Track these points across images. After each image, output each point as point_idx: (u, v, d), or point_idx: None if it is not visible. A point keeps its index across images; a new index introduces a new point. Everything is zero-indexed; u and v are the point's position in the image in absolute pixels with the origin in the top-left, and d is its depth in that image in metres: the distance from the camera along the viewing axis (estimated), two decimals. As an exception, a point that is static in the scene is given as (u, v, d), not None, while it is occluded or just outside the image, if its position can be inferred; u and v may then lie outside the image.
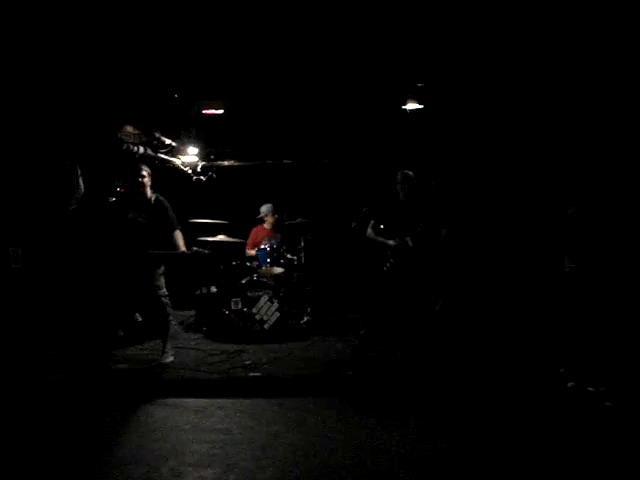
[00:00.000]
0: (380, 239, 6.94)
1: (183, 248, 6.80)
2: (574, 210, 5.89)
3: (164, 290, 6.83)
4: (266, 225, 9.44)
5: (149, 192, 6.88)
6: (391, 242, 6.83)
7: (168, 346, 6.83)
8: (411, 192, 6.96)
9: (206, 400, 5.70)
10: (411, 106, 8.21)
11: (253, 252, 9.05)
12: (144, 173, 6.81)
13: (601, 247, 5.69)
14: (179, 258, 6.87)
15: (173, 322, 7.61)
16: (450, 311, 6.95)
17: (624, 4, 5.79)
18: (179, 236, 6.81)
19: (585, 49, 6.49)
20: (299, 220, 9.09)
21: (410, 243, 6.73)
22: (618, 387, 5.44)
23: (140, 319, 7.94)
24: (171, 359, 6.75)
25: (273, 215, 9.37)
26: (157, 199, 6.92)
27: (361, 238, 7.27)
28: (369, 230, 7.10)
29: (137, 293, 6.91)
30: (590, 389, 5.48)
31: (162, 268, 6.84)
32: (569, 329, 5.94)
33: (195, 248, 7.01)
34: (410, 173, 7.00)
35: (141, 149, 8.29)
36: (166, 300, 6.81)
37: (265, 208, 9.39)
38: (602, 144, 6.84)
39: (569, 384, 5.66)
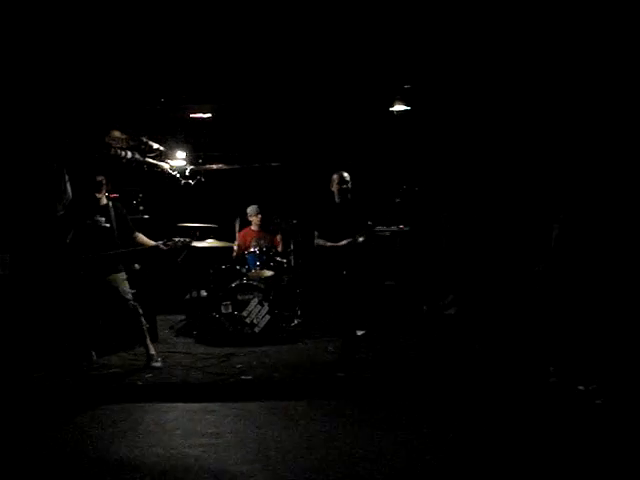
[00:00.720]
0: (329, 244, 6.95)
1: (153, 243, 6.80)
2: (563, 216, 5.94)
3: (130, 295, 6.79)
4: (253, 227, 9.47)
5: (105, 198, 6.83)
6: (342, 243, 6.87)
7: (152, 350, 6.80)
8: (347, 193, 7.02)
9: (197, 404, 5.68)
10: (398, 108, 8.24)
11: (236, 254, 9.07)
12: (100, 179, 6.77)
13: (587, 249, 5.74)
14: (152, 253, 6.82)
15: (161, 326, 7.60)
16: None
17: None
18: (142, 236, 6.82)
19: (574, 56, 6.53)
20: (289, 222, 9.10)
21: (359, 239, 6.77)
22: (608, 385, 5.47)
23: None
24: (159, 364, 6.73)
25: (257, 215, 9.40)
26: (114, 204, 6.88)
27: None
28: (316, 240, 7.10)
29: (105, 300, 6.83)
30: (580, 387, 5.51)
31: (123, 273, 6.81)
32: (558, 327, 5.98)
33: (176, 239, 6.94)
34: (345, 174, 7.06)
35: (129, 154, 8.28)
36: (134, 303, 6.76)
37: (250, 209, 9.44)
38: (587, 152, 6.89)
39: (551, 379, 5.71)
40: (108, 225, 6.72)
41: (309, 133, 9.19)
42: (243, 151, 9.87)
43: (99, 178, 6.74)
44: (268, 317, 7.97)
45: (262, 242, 9.06)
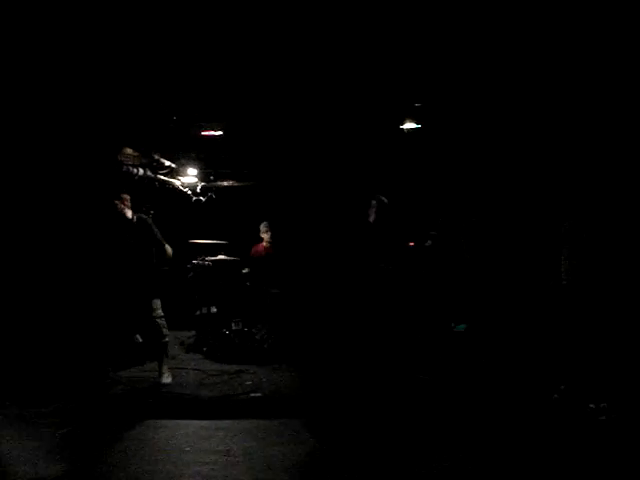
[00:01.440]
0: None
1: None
2: (568, 224, 5.94)
3: (160, 311, 6.83)
4: (264, 243, 9.50)
5: (129, 213, 6.88)
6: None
7: (165, 367, 6.83)
8: (381, 216, 7.02)
9: (207, 421, 5.67)
10: (409, 126, 8.29)
11: (246, 270, 9.08)
12: (125, 196, 6.85)
13: (595, 261, 5.73)
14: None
15: (171, 342, 7.61)
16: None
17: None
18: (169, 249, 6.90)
19: (577, 69, 6.56)
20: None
21: (386, 267, 6.78)
22: (616, 403, 5.44)
23: (140, 340, 7.93)
24: (169, 380, 6.75)
25: (267, 232, 9.44)
26: (139, 218, 6.94)
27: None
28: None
29: (134, 315, 6.89)
30: (591, 405, 5.49)
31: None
32: (568, 345, 5.96)
33: (195, 261, 6.98)
34: (383, 198, 7.06)
35: (140, 171, 8.35)
36: (162, 321, 6.81)
37: (262, 226, 9.49)
38: (593, 161, 6.89)
39: (554, 396, 5.70)
40: (132, 241, 6.79)
41: (319, 151, 9.23)
42: (254, 168, 9.93)
43: (123, 195, 6.82)
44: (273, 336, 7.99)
45: (272, 259, 9.08)
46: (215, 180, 10.14)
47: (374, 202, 7.11)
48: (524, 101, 7.38)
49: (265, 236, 9.50)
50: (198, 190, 10.03)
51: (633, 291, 5.82)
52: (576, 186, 6.39)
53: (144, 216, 6.98)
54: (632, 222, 5.96)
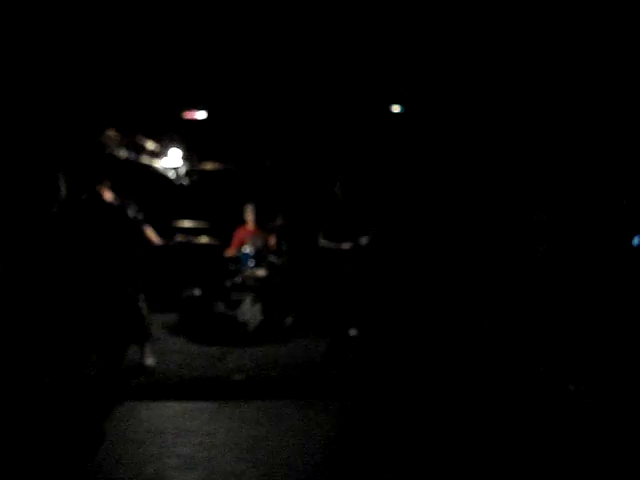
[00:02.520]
0: (334, 245, 6.93)
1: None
2: (540, 214, 6.01)
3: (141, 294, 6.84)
4: (248, 225, 9.49)
5: (111, 197, 6.86)
6: (345, 245, 6.86)
7: (147, 349, 6.84)
8: (346, 191, 7.01)
9: (190, 403, 5.73)
10: (394, 109, 8.30)
11: (231, 253, 9.07)
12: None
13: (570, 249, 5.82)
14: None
15: (155, 325, 7.62)
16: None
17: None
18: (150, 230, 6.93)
19: (565, 59, 6.61)
20: (280, 222, 9.13)
21: (363, 243, 6.78)
22: (595, 385, 5.55)
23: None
24: (152, 362, 6.77)
25: (251, 214, 9.43)
26: (121, 203, 6.93)
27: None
28: (320, 240, 7.06)
29: (114, 295, 6.87)
30: (570, 387, 5.59)
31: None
32: (544, 329, 6.05)
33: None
34: (350, 179, 7.06)
35: (124, 153, 8.30)
36: (143, 304, 6.81)
37: (247, 209, 9.46)
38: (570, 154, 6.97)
39: (541, 378, 5.81)
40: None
41: (303, 133, 9.23)
42: (238, 151, 9.90)
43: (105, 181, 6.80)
44: (261, 317, 8.02)
45: (257, 241, 9.08)
46: (199, 163, 10.09)
47: (338, 184, 7.10)
48: (506, 91, 7.43)
49: (249, 218, 9.48)
50: (182, 173, 9.98)
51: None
52: (548, 177, 6.47)
53: (126, 201, 6.96)
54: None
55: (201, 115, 8.36)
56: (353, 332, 7.45)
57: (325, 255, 6.92)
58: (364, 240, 6.76)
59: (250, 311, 8.02)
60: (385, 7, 6.37)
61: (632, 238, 6.61)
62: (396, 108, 8.30)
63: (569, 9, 6.13)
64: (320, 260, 7.15)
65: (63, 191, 7.34)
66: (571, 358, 5.86)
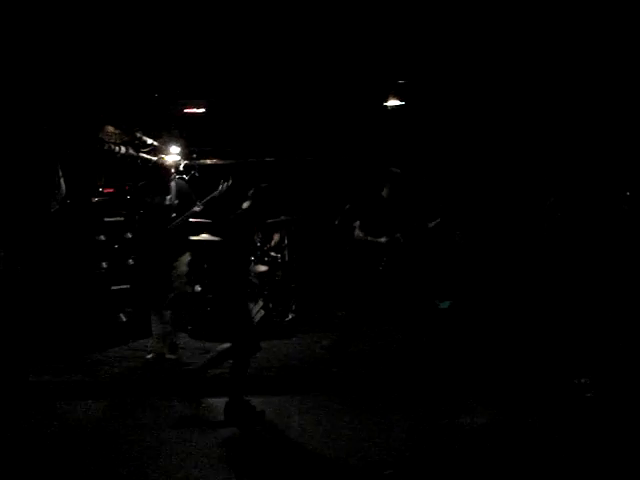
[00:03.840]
0: (370, 238, 6.79)
1: None
2: (552, 200, 5.97)
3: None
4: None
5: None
6: (382, 240, 6.72)
7: (168, 341, 6.92)
8: (395, 189, 6.89)
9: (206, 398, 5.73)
10: (392, 103, 8.26)
11: None
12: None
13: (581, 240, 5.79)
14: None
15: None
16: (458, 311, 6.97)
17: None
18: None
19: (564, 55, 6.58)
20: (282, 218, 9.08)
21: (401, 239, 6.69)
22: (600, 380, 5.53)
23: (124, 319, 7.92)
24: (174, 355, 6.89)
25: None
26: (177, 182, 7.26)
27: (345, 235, 7.18)
28: (357, 231, 6.91)
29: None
30: (575, 381, 5.56)
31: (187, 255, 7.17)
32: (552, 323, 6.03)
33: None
34: (396, 170, 6.93)
35: (122, 149, 8.27)
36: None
37: (246, 204, 9.39)
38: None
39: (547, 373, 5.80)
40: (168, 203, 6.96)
41: (303, 128, 9.20)
42: (237, 146, 9.86)
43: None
44: (262, 312, 7.98)
45: (258, 237, 9.05)
46: (198, 158, 10.04)
47: (389, 175, 6.96)
48: (507, 81, 7.39)
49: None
50: (181, 168, 9.93)
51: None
52: (560, 166, 6.44)
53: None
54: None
55: (202, 110, 8.31)
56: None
57: (358, 248, 6.82)
58: (401, 236, 6.69)
59: (251, 307, 7.98)
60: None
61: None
62: (395, 102, 8.26)
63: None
64: (336, 254, 7.12)
65: (62, 187, 7.31)
66: (578, 350, 5.84)
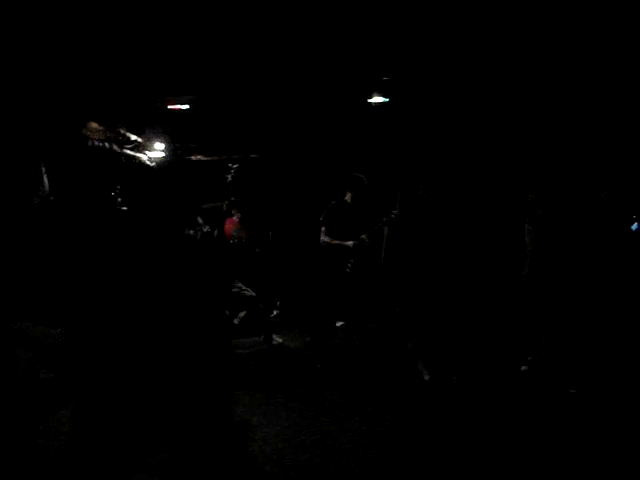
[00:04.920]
0: (336, 242, 6.90)
1: None
2: (534, 196, 6.01)
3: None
4: (235, 217, 9.43)
5: None
6: (349, 243, 6.84)
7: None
8: (358, 194, 6.99)
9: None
10: (376, 99, 8.28)
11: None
12: None
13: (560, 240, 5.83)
14: None
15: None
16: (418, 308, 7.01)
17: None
18: None
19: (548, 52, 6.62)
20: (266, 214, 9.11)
21: (367, 241, 6.79)
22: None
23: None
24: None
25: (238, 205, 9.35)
26: None
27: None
28: (322, 237, 7.02)
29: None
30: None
31: None
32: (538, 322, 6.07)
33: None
34: (358, 175, 7.03)
35: (106, 145, 8.23)
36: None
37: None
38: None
39: (522, 367, 5.84)
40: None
41: (288, 125, 9.20)
42: (222, 143, 9.84)
43: None
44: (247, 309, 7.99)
45: (241, 233, 9.05)
46: (182, 155, 10.03)
47: (352, 180, 7.07)
48: (491, 77, 7.42)
49: (235, 210, 9.39)
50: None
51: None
52: (542, 161, 6.48)
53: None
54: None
55: (185, 106, 8.30)
56: (339, 323, 7.45)
57: (324, 252, 6.88)
58: (366, 238, 6.76)
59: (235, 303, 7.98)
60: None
61: (631, 224, 6.65)
62: (379, 98, 8.28)
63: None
64: (314, 255, 7.13)
65: (45, 183, 7.27)
66: (557, 347, 5.88)
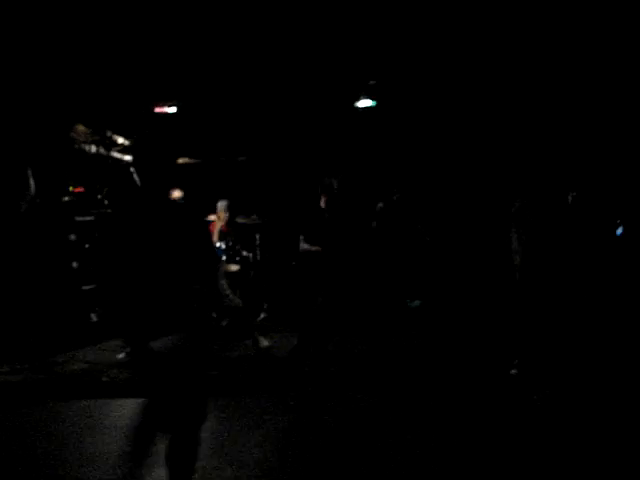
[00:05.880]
0: (314, 248, 6.93)
1: None
2: (518, 205, 6.05)
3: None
4: (220, 221, 9.37)
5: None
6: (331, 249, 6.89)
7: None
8: (331, 199, 7.02)
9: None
10: (363, 103, 8.31)
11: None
12: None
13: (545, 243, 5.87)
14: None
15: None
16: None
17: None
18: None
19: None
20: (254, 217, 9.10)
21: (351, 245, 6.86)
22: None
23: (95, 319, 7.88)
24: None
25: (226, 212, 9.29)
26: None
27: (382, 234, 7.27)
28: (302, 244, 7.05)
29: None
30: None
31: None
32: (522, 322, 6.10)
33: None
34: (330, 180, 7.06)
35: (93, 148, 8.22)
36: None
37: (220, 205, 9.32)
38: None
39: (512, 371, 5.89)
40: None
41: (275, 128, 9.21)
42: (209, 145, 9.85)
43: None
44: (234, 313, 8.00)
45: (228, 237, 9.03)
46: (168, 157, 10.01)
47: (323, 185, 7.11)
48: (477, 82, 7.47)
49: (222, 215, 9.29)
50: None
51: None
52: (527, 166, 6.52)
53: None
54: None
55: (172, 109, 8.29)
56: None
57: (305, 259, 6.92)
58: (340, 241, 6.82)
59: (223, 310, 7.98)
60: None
61: (616, 229, 6.72)
62: (367, 102, 8.31)
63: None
64: (297, 258, 7.18)
65: (32, 187, 7.25)
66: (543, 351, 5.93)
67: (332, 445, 4.61)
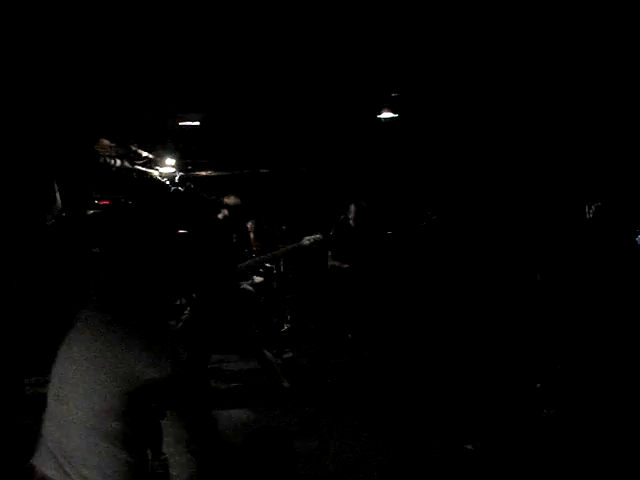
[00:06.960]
0: (346, 266, 6.96)
1: None
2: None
3: None
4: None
5: None
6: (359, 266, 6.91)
7: None
8: (361, 219, 7.05)
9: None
10: (386, 115, 8.30)
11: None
12: None
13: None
14: None
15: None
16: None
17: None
18: None
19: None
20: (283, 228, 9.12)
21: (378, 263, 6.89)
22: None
23: None
24: None
25: (251, 222, 9.31)
26: None
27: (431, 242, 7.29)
28: (331, 261, 7.09)
29: None
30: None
31: None
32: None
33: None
34: (363, 204, 7.10)
35: (118, 162, 8.31)
36: None
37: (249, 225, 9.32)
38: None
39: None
40: None
41: (297, 140, 9.24)
42: (232, 158, 9.90)
43: None
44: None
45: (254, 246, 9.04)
46: (193, 170, 10.12)
47: (353, 207, 7.16)
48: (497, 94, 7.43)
49: (249, 225, 9.23)
50: (176, 180, 10.00)
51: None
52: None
53: None
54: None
55: (195, 122, 8.35)
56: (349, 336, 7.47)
57: (335, 276, 6.97)
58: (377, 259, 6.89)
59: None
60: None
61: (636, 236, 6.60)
62: (389, 114, 8.29)
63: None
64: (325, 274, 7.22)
65: (58, 201, 7.33)
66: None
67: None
